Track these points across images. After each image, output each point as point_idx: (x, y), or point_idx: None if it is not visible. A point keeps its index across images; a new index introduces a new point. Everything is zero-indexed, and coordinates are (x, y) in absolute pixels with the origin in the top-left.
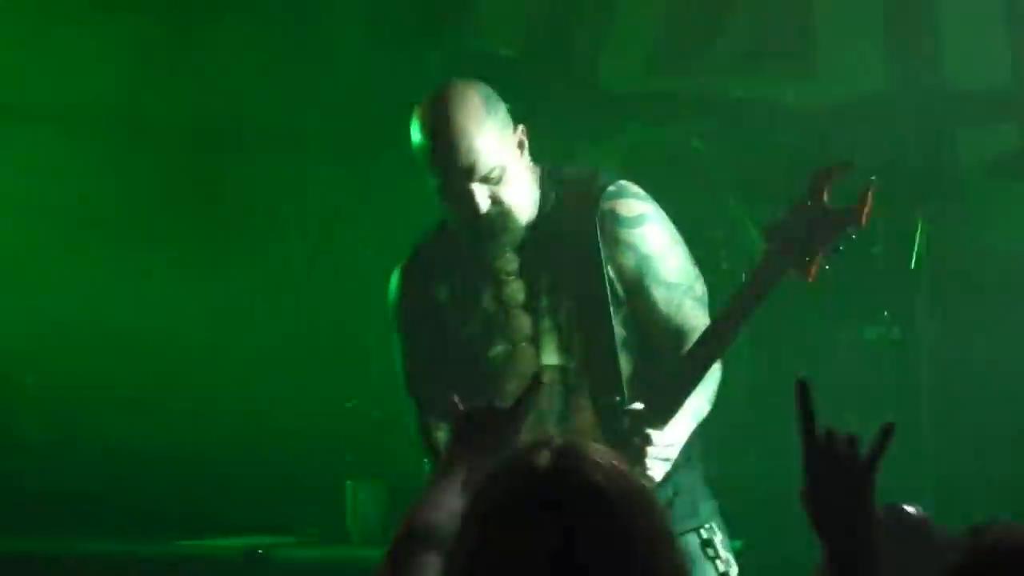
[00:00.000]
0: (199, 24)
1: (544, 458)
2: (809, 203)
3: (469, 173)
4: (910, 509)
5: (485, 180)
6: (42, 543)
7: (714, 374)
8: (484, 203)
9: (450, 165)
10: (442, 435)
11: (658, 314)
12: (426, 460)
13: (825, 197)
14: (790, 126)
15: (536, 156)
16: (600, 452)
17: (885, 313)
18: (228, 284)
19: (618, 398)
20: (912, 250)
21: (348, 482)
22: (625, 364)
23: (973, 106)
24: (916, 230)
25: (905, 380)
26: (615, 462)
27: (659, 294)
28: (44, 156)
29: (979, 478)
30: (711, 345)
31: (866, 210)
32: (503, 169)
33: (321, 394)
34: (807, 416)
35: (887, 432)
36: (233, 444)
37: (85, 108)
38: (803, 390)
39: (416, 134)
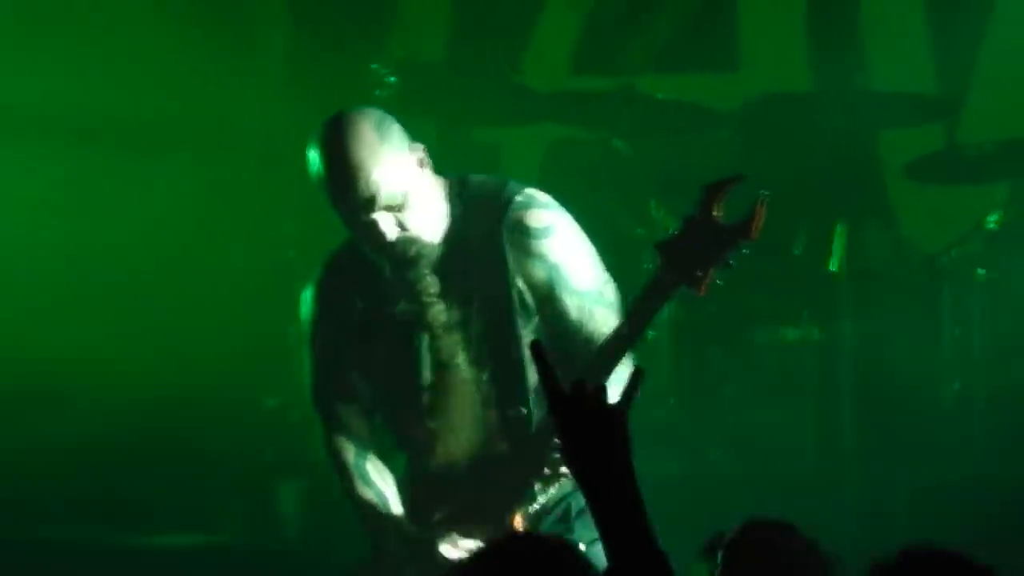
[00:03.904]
0: (123, 24)
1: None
2: (700, 218)
3: (370, 205)
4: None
5: (388, 209)
6: None
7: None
8: (391, 232)
9: (350, 200)
10: (348, 453)
11: (570, 322)
12: (335, 474)
13: (716, 212)
14: (711, 126)
15: (458, 158)
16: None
17: (805, 314)
18: (157, 282)
19: (524, 409)
20: (831, 252)
21: (278, 481)
22: (534, 375)
23: (895, 107)
24: (835, 232)
25: (825, 380)
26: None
27: (571, 302)
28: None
29: (898, 477)
30: (608, 357)
31: (757, 224)
32: (405, 195)
33: (242, 392)
34: (547, 372)
35: (636, 376)
36: (150, 443)
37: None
38: (538, 349)
39: (313, 168)
